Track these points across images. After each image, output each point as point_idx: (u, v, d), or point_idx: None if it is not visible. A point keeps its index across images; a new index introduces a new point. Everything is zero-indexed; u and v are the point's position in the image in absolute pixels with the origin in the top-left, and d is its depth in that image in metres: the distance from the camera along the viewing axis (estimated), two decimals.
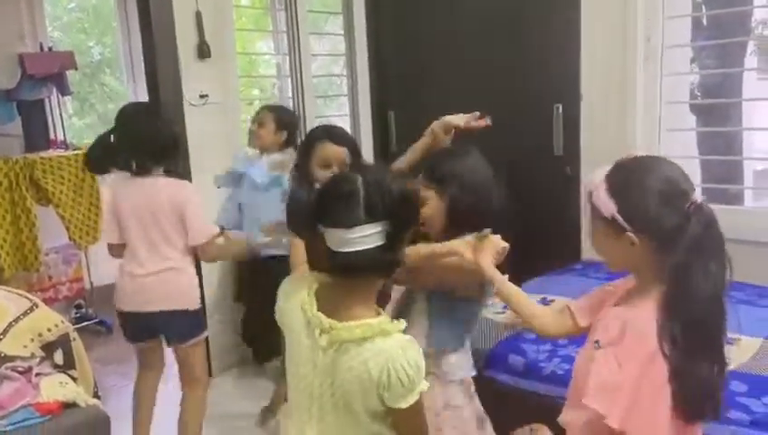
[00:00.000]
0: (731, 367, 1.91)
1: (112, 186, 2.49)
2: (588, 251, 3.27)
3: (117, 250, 2.38)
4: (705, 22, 4.50)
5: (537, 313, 1.48)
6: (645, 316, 1.16)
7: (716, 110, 4.62)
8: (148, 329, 2.37)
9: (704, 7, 4.01)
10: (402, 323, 1.18)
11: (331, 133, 2.00)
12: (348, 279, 1.17)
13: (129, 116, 2.35)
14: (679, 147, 3.14)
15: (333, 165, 1.92)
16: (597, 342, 1.23)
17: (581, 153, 3.22)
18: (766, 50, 5.77)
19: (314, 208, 1.14)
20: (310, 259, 1.24)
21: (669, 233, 1.13)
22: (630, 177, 1.19)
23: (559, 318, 1.44)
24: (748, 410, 1.75)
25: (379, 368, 1.12)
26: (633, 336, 1.15)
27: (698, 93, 4.80)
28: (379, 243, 1.12)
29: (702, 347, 1.13)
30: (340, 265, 1.15)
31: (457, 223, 1.60)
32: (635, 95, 3.03)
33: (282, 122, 2.99)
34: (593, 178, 1.23)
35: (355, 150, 2.02)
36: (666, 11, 2.99)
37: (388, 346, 1.14)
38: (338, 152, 1.95)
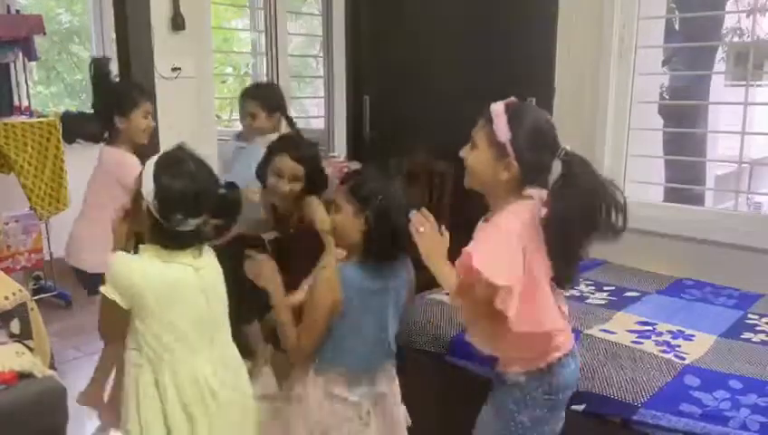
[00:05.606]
0: (686, 362, 1.99)
1: None
2: None
3: None
4: (677, 27, 4.60)
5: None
6: (502, 216, 1.52)
7: (683, 113, 4.73)
8: None
9: (677, 12, 4.09)
10: None
11: (294, 148, 2.17)
12: None
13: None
14: (646, 146, 3.19)
15: (285, 177, 2.13)
16: None
17: None
18: (734, 58, 5.92)
19: None
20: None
21: (539, 168, 1.48)
22: (526, 117, 1.53)
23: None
24: (700, 404, 1.81)
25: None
26: (491, 224, 1.53)
27: (666, 96, 4.90)
28: None
29: (570, 241, 1.49)
30: None
31: (372, 246, 1.66)
32: (607, 92, 3.06)
33: (270, 106, 2.87)
34: (496, 107, 1.52)
35: (314, 168, 2.18)
36: (641, 11, 3.03)
37: None
38: (292, 168, 2.13)
